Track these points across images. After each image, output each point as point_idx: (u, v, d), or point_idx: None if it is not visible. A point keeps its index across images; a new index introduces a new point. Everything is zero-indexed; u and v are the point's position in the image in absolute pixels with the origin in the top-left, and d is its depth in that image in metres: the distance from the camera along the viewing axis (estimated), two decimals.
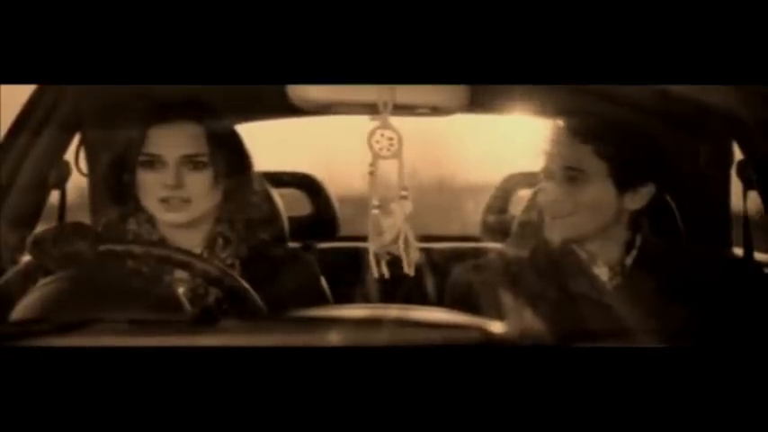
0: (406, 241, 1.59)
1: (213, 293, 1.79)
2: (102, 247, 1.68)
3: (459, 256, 2.16)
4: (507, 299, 1.68)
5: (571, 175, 1.82)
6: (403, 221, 1.59)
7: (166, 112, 1.89)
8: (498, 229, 2.37)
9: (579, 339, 1.37)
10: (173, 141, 1.88)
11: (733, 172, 2.21)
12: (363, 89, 1.58)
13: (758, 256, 2.19)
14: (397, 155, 1.59)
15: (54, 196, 2.18)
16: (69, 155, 2.17)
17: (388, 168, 1.60)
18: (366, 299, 1.90)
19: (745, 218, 2.17)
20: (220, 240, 1.91)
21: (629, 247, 1.88)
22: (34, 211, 2.14)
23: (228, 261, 1.88)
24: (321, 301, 1.98)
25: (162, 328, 1.32)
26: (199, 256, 1.69)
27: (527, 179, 2.48)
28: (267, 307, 1.63)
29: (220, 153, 1.89)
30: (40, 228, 2.09)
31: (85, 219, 2.25)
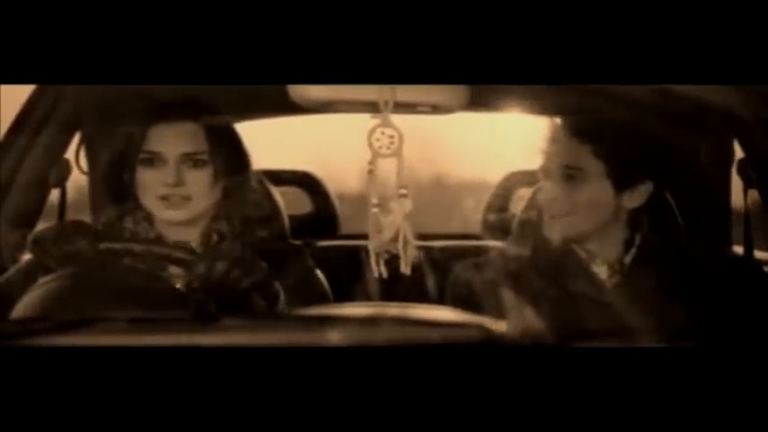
0: (405, 240, 1.59)
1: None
2: (103, 246, 1.68)
3: (459, 254, 2.15)
4: (508, 297, 1.68)
5: (570, 174, 1.82)
6: (402, 220, 1.59)
7: (166, 111, 1.89)
8: (499, 228, 2.37)
9: (579, 338, 1.37)
10: (173, 139, 1.88)
11: (733, 170, 2.21)
12: (364, 87, 1.58)
13: (758, 254, 2.19)
14: (397, 153, 1.59)
15: (54, 195, 2.19)
16: (69, 154, 2.17)
17: (388, 167, 1.60)
18: (366, 297, 1.90)
19: (746, 216, 2.17)
20: (215, 236, 1.91)
21: (628, 245, 1.88)
22: (34, 210, 2.14)
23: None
24: (320, 297, 1.98)
25: (162, 327, 1.32)
26: (198, 255, 1.69)
27: (527, 178, 2.48)
28: (265, 304, 1.64)
29: (220, 151, 1.89)
30: (40, 226, 2.09)
31: (86, 217, 2.25)
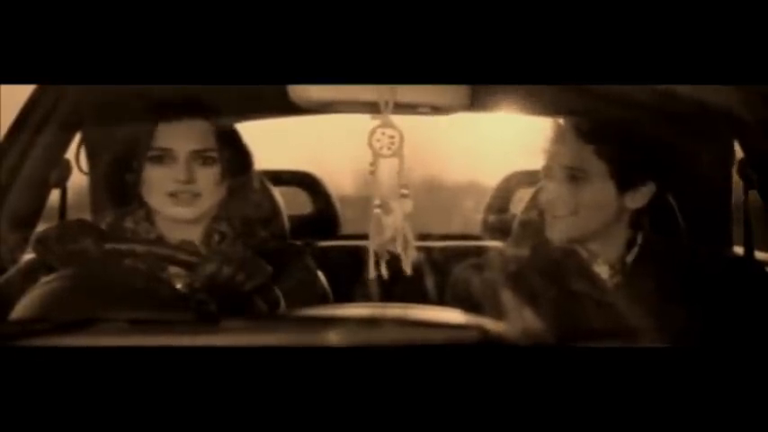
0: (405, 240, 1.59)
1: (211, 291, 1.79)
2: (107, 246, 1.68)
3: (459, 254, 2.15)
4: (508, 298, 1.68)
5: (572, 175, 1.82)
6: (402, 220, 1.59)
7: (175, 108, 1.89)
8: (499, 228, 2.37)
9: (580, 338, 1.37)
10: (183, 136, 1.88)
11: (734, 171, 2.21)
12: (364, 88, 1.58)
13: (759, 255, 2.19)
14: (398, 153, 1.59)
15: (54, 195, 2.18)
16: (70, 154, 2.17)
17: (389, 167, 1.60)
18: (366, 298, 1.90)
19: (746, 217, 2.17)
20: (216, 236, 1.91)
21: (630, 245, 1.88)
22: (35, 211, 2.14)
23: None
24: (320, 298, 1.98)
25: (163, 328, 1.32)
26: (202, 256, 1.69)
27: (528, 178, 2.48)
28: (265, 305, 1.63)
29: (227, 150, 1.90)
30: (41, 227, 2.09)
31: (86, 218, 2.25)
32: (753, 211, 2.16)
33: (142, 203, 1.91)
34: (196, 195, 1.86)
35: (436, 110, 1.69)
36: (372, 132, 1.59)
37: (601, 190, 1.82)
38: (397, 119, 1.60)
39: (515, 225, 2.12)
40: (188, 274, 1.68)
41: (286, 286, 1.76)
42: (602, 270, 1.87)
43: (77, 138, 2.17)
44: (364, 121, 1.61)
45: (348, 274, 2.08)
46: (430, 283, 1.93)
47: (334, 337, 1.23)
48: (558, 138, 1.85)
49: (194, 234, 1.90)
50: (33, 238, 1.86)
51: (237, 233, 1.91)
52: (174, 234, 1.90)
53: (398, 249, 1.58)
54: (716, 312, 1.76)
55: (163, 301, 1.58)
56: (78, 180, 2.21)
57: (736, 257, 2.23)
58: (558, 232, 1.85)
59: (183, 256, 1.69)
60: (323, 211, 2.83)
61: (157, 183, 1.87)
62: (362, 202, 1.65)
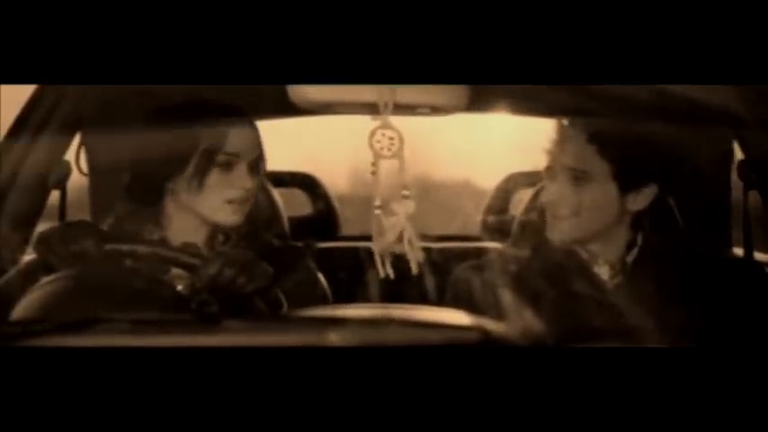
0: (410, 241, 1.60)
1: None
2: (108, 247, 1.68)
3: (459, 255, 2.16)
4: (508, 299, 1.68)
5: (574, 176, 1.81)
6: (405, 221, 1.60)
7: (238, 112, 1.87)
8: (498, 229, 2.37)
9: (580, 338, 1.37)
10: (249, 141, 1.86)
11: (733, 172, 2.21)
12: (364, 89, 1.58)
13: (758, 255, 2.19)
14: (398, 154, 1.59)
15: (54, 196, 2.18)
16: (69, 155, 2.16)
17: (389, 168, 1.60)
18: (366, 299, 1.90)
19: (746, 217, 2.17)
20: (220, 237, 1.91)
21: (630, 246, 1.88)
22: (34, 211, 2.14)
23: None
24: (321, 299, 1.98)
25: (163, 328, 1.32)
26: (204, 258, 1.69)
27: (527, 179, 2.48)
28: (267, 306, 1.63)
29: (262, 153, 1.89)
30: (41, 227, 2.09)
31: (86, 219, 2.25)
32: (752, 212, 2.16)
33: (159, 207, 1.89)
34: (246, 202, 1.85)
35: (435, 110, 1.69)
36: (372, 133, 1.59)
37: (603, 191, 1.82)
38: (397, 120, 1.60)
39: (515, 226, 2.12)
40: (190, 276, 1.68)
41: (287, 287, 1.76)
42: (603, 271, 1.87)
43: (77, 138, 2.17)
44: (364, 122, 1.61)
45: (348, 276, 2.08)
46: (430, 283, 1.93)
47: (335, 338, 1.23)
48: (561, 138, 1.85)
49: (200, 235, 1.89)
50: (35, 238, 1.86)
51: (241, 235, 1.91)
52: (178, 236, 1.89)
53: (406, 250, 1.59)
54: (715, 313, 1.76)
55: (164, 302, 1.58)
56: (78, 180, 2.20)
57: (736, 258, 2.23)
58: (559, 233, 1.85)
59: (185, 259, 1.69)
60: (322, 213, 2.83)
61: (218, 189, 1.83)
62: (362, 203, 1.65)
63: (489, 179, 2.80)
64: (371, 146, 1.59)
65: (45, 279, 1.58)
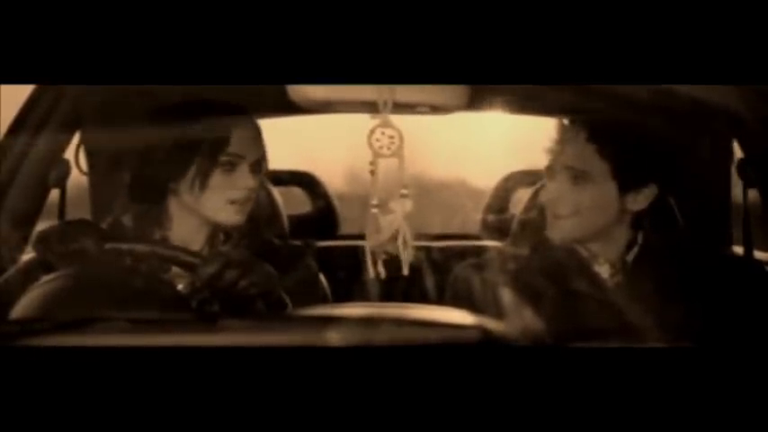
0: (404, 240, 1.60)
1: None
2: (108, 246, 1.68)
3: (458, 254, 2.15)
4: (507, 298, 1.68)
5: (574, 176, 1.81)
6: (402, 220, 1.60)
7: (240, 111, 1.86)
8: (498, 228, 2.37)
9: (580, 337, 1.37)
10: (252, 142, 1.86)
11: (733, 170, 2.21)
12: (363, 87, 1.58)
13: (758, 254, 2.19)
14: (398, 153, 1.59)
15: (54, 195, 2.18)
16: (69, 154, 2.16)
17: (388, 167, 1.60)
18: (365, 297, 1.90)
19: (746, 216, 2.17)
20: (221, 236, 1.91)
21: (630, 244, 1.88)
22: (34, 211, 2.13)
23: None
24: (321, 298, 1.98)
25: (163, 327, 1.32)
26: (204, 257, 1.68)
27: (527, 178, 2.48)
28: (270, 308, 1.63)
29: (264, 153, 1.89)
30: (41, 226, 2.09)
31: (86, 218, 2.25)
32: (752, 211, 2.16)
33: (163, 207, 1.89)
34: (248, 201, 1.85)
35: (435, 109, 1.69)
36: (372, 132, 1.59)
37: (602, 191, 1.82)
38: (396, 118, 1.60)
39: (515, 225, 2.12)
40: (189, 275, 1.68)
41: (288, 286, 1.76)
42: (603, 269, 1.87)
43: (77, 137, 2.17)
44: (364, 121, 1.61)
45: (347, 274, 2.08)
46: (429, 282, 1.93)
47: (333, 337, 1.23)
48: (560, 138, 1.85)
49: (199, 235, 1.89)
50: (34, 237, 1.85)
51: (242, 234, 1.91)
52: (178, 235, 1.88)
53: (398, 250, 1.59)
54: (715, 312, 1.76)
55: (163, 301, 1.57)
56: (79, 179, 2.20)
57: (736, 256, 2.23)
58: (559, 232, 1.85)
59: (184, 257, 1.69)
60: (322, 211, 2.83)
61: (221, 189, 1.83)
62: (362, 202, 1.65)
63: (489, 178, 2.80)
64: (371, 144, 1.59)
65: (45, 278, 1.58)
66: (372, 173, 1.59)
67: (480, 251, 2.19)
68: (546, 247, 1.89)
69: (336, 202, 2.86)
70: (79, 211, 2.27)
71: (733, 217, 2.32)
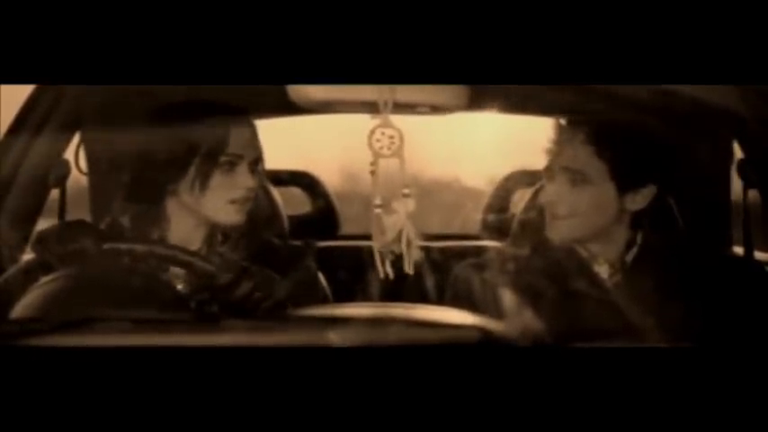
0: (408, 240, 1.60)
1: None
2: (106, 246, 1.68)
3: (459, 254, 2.15)
4: (507, 298, 1.68)
5: (572, 177, 1.82)
6: (405, 220, 1.60)
7: (238, 111, 1.87)
8: (498, 228, 2.37)
9: (579, 338, 1.37)
10: (250, 142, 1.86)
11: (733, 170, 2.21)
12: (363, 88, 1.58)
13: (758, 254, 2.19)
14: (398, 153, 1.59)
15: (54, 195, 2.18)
16: (69, 154, 2.16)
17: (389, 167, 1.60)
18: (366, 297, 1.90)
19: (746, 216, 2.17)
20: (219, 236, 1.91)
21: (630, 244, 1.88)
22: (34, 211, 2.13)
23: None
24: (322, 299, 1.98)
25: (163, 328, 1.32)
26: (202, 256, 1.68)
27: (527, 178, 2.48)
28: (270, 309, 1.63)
29: (261, 152, 1.89)
30: (41, 226, 2.09)
31: (85, 218, 2.24)
32: (752, 211, 2.16)
33: (161, 207, 1.88)
34: (247, 201, 1.85)
35: (435, 109, 1.69)
36: (372, 132, 1.59)
37: (601, 192, 1.82)
38: (396, 119, 1.60)
39: (515, 225, 2.12)
40: (188, 274, 1.68)
41: (289, 287, 1.76)
42: (602, 269, 1.87)
43: (77, 138, 2.17)
44: (364, 121, 1.61)
45: (347, 275, 2.07)
46: (430, 282, 1.93)
47: (335, 337, 1.23)
48: (559, 138, 1.85)
49: (197, 235, 1.89)
50: (33, 237, 1.85)
51: (241, 234, 1.91)
52: (177, 235, 1.88)
53: (402, 249, 1.59)
54: (715, 312, 1.76)
55: (163, 302, 1.57)
56: (78, 179, 2.20)
57: (736, 257, 2.23)
58: (558, 233, 1.85)
59: (183, 257, 1.69)
60: (322, 211, 2.83)
61: (221, 189, 1.83)
62: (362, 202, 1.65)
63: (489, 178, 2.80)
64: (371, 145, 1.59)
65: (44, 278, 1.58)
66: (373, 173, 1.59)
67: (480, 251, 2.18)
68: (546, 247, 1.89)
69: (337, 203, 2.86)
70: (79, 211, 2.27)
71: (733, 217, 2.32)
